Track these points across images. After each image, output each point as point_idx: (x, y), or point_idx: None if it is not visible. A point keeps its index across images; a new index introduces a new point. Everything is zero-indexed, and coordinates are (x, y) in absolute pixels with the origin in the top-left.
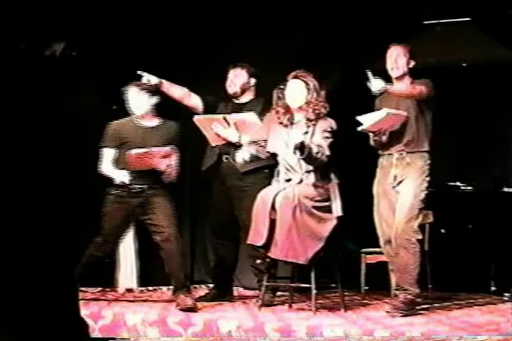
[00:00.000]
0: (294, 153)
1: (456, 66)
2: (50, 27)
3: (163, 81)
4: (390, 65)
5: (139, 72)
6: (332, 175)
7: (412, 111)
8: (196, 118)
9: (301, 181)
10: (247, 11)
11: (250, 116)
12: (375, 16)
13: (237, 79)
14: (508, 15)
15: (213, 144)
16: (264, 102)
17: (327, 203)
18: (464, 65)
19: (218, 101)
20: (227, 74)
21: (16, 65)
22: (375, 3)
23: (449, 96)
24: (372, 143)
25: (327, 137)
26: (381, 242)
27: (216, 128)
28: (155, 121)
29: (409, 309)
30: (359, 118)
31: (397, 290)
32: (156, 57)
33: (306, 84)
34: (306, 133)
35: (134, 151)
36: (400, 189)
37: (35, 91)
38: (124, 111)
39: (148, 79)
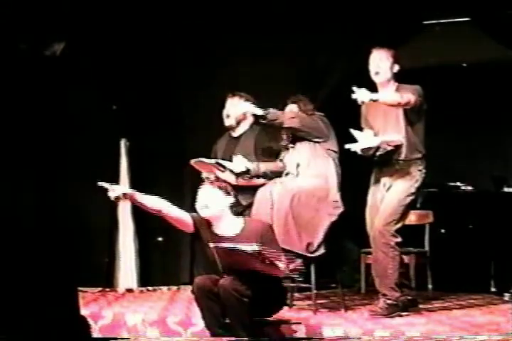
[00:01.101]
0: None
1: (456, 66)
2: (50, 27)
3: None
4: (372, 69)
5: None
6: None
7: (401, 120)
8: (193, 162)
9: (297, 174)
10: (247, 10)
11: (239, 160)
12: (375, 16)
13: (233, 109)
14: (508, 15)
15: None
16: (258, 132)
17: (328, 194)
18: (464, 65)
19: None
20: (225, 102)
21: (17, 65)
22: (374, 3)
23: (448, 96)
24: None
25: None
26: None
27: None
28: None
29: (390, 313)
30: (353, 132)
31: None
32: (156, 56)
33: (299, 107)
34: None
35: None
36: (387, 195)
37: (36, 90)
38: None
39: (114, 188)
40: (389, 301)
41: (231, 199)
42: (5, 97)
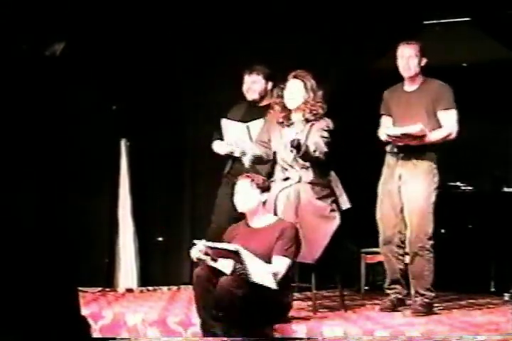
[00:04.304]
0: (291, 151)
1: (456, 66)
2: (50, 27)
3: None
4: (401, 65)
5: None
6: (331, 172)
7: (424, 113)
8: (223, 122)
9: (299, 180)
10: (248, 11)
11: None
12: (375, 16)
13: (255, 85)
14: (508, 15)
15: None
16: None
17: (329, 200)
18: (464, 65)
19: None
20: (242, 79)
21: (17, 65)
22: (375, 3)
23: None
24: (383, 138)
25: (324, 136)
26: (380, 242)
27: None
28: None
29: (428, 311)
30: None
31: (413, 295)
32: (156, 56)
33: (304, 84)
34: (302, 131)
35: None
36: (406, 192)
37: (36, 90)
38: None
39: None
40: (426, 300)
41: (266, 196)
42: (5, 97)
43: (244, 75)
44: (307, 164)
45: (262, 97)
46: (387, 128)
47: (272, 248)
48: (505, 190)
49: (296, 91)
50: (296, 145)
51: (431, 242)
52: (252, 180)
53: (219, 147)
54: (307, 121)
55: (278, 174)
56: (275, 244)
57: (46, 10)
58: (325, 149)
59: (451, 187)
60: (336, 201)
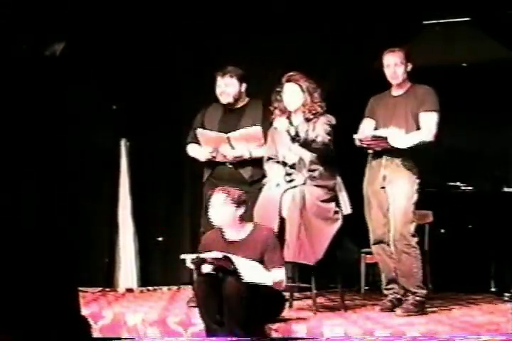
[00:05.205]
0: (293, 141)
1: (455, 66)
2: (50, 27)
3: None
4: (388, 73)
5: None
6: (337, 176)
7: (409, 116)
8: (201, 133)
9: (305, 182)
10: (247, 10)
11: (253, 130)
12: (375, 16)
13: (228, 88)
14: (508, 15)
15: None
16: (261, 104)
17: (333, 203)
18: (464, 65)
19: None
20: (215, 80)
21: (17, 65)
22: (374, 3)
23: (448, 97)
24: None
25: (326, 129)
26: (371, 242)
27: (224, 150)
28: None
29: (421, 309)
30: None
31: (405, 294)
32: (156, 56)
33: (300, 86)
34: (307, 131)
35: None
36: (392, 192)
37: (36, 90)
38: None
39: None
40: (418, 298)
41: (242, 210)
42: (5, 97)
43: (217, 77)
44: (313, 167)
45: (236, 100)
46: (358, 133)
47: (257, 257)
48: (505, 190)
49: (293, 94)
50: (295, 134)
51: (415, 239)
52: (228, 195)
53: (198, 152)
54: (308, 120)
55: (282, 176)
56: (266, 257)
57: (46, 10)
58: (328, 137)
59: (451, 187)
60: (339, 204)
